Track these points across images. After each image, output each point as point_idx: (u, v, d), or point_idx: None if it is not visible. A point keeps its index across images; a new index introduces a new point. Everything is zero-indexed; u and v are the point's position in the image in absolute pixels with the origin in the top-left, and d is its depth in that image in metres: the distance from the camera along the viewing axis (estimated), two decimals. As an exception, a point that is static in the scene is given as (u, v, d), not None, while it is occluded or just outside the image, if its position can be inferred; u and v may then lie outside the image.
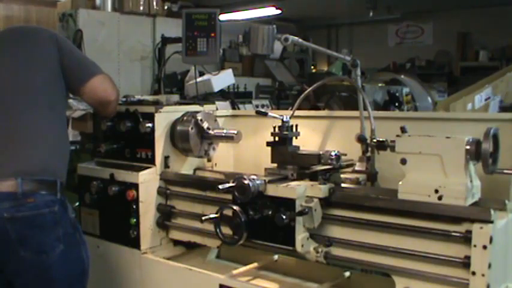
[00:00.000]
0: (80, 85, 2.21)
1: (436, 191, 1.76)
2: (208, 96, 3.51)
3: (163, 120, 2.50)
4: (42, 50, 2.16)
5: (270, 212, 1.99)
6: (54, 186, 2.00)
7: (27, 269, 1.95)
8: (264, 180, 2.04)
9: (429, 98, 5.32)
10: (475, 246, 1.65)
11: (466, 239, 1.68)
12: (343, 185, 2.18)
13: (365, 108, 2.36)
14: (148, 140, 2.48)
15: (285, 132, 2.21)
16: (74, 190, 2.65)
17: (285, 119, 2.22)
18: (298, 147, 2.25)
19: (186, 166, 2.63)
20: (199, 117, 2.51)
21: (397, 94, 4.89)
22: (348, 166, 2.28)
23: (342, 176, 2.22)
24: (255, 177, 2.03)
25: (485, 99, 3.69)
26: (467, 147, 1.74)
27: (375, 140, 2.10)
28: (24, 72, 2.11)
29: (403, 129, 1.96)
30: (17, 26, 2.46)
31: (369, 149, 2.20)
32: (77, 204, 2.65)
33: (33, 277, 1.98)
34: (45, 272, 1.98)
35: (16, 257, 1.93)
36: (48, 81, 2.14)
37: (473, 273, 1.65)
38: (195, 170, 2.68)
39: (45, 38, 2.20)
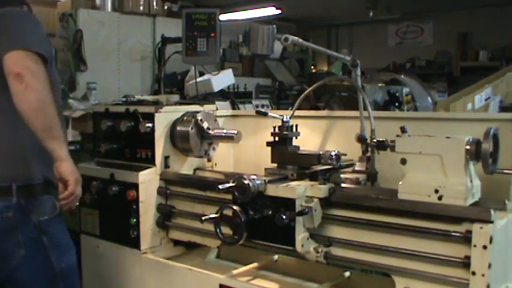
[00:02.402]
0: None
1: (436, 191, 1.76)
2: (208, 96, 3.51)
3: (163, 120, 2.50)
4: None
5: (270, 212, 1.99)
6: (8, 191, 1.87)
7: None
8: (264, 180, 2.04)
9: (429, 98, 5.31)
10: (475, 246, 1.65)
11: (466, 239, 1.68)
12: (343, 185, 2.18)
13: (365, 108, 2.36)
14: (149, 140, 2.48)
15: (285, 132, 2.21)
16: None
17: (285, 119, 2.22)
18: (298, 147, 2.25)
19: (186, 166, 2.64)
20: (199, 117, 2.51)
21: (397, 94, 4.88)
22: (348, 166, 2.28)
23: (342, 176, 2.22)
24: (255, 177, 2.03)
25: (485, 99, 3.69)
26: (467, 147, 1.74)
27: (375, 140, 2.09)
28: None
29: (403, 129, 1.96)
30: None
31: (369, 149, 2.20)
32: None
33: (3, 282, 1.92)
34: (10, 276, 1.90)
35: None
36: None
37: (473, 273, 1.65)
38: (195, 170, 2.69)
39: None
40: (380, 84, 5.19)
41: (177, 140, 2.52)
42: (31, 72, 1.79)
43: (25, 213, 1.90)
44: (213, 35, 3.22)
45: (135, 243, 2.46)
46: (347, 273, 2.25)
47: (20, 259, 1.89)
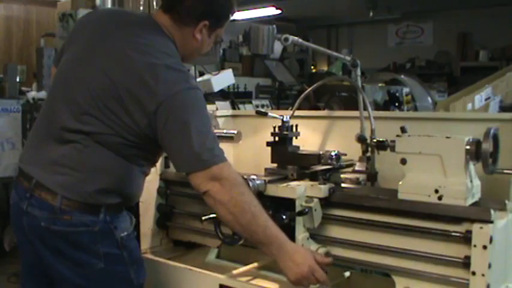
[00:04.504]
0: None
1: (436, 191, 1.76)
2: (208, 96, 3.51)
3: (163, 120, 2.49)
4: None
5: (270, 212, 1.98)
6: (97, 210, 1.83)
7: (65, 280, 1.88)
8: (264, 180, 2.04)
9: (429, 98, 5.32)
10: (475, 246, 1.65)
11: (466, 239, 1.68)
12: (343, 185, 2.17)
13: (365, 108, 2.36)
14: (149, 140, 2.48)
15: (285, 132, 2.21)
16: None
17: (285, 119, 2.22)
18: (298, 147, 2.25)
19: (186, 166, 2.63)
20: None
21: (397, 94, 4.90)
22: (348, 166, 2.28)
23: (342, 176, 2.22)
24: (255, 177, 2.03)
25: (485, 99, 3.69)
26: (467, 147, 1.74)
27: (375, 140, 2.10)
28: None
29: (403, 129, 1.96)
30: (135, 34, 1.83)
31: (369, 149, 2.20)
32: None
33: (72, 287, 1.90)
34: (83, 285, 1.88)
35: (54, 266, 1.87)
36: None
37: (473, 273, 1.65)
38: (195, 170, 2.68)
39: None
40: (380, 84, 5.20)
41: (177, 140, 2.51)
42: (215, 187, 1.74)
43: (110, 229, 1.86)
44: (213, 35, 3.21)
45: (135, 243, 2.46)
46: (347, 273, 2.24)
47: (98, 271, 1.85)
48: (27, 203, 1.81)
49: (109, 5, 5.02)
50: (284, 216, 1.93)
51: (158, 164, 2.49)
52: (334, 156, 2.10)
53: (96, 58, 1.80)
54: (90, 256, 1.83)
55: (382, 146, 2.02)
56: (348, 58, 2.54)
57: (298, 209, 1.94)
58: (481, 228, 1.65)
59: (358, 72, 2.52)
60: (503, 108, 3.77)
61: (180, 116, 1.72)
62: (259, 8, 8.51)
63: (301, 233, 1.96)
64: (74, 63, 1.86)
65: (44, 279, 1.93)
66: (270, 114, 2.35)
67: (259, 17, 8.55)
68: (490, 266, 1.64)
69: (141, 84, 1.72)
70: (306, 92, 2.68)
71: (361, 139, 2.22)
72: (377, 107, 4.62)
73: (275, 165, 2.24)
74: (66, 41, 2.00)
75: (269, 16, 8.61)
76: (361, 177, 2.23)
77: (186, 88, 1.74)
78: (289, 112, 2.46)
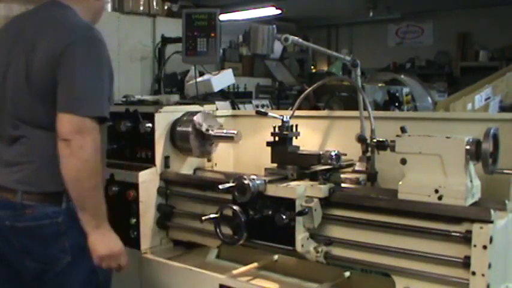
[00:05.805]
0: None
1: (436, 191, 1.76)
2: (208, 96, 3.51)
3: (163, 120, 2.50)
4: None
5: (270, 212, 1.99)
6: (58, 198, 1.86)
7: (37, 278, 1.90)
8: (264, 180, 2.04)
9: (429, 98, 5.31)
10: (475, 246, 1.65)
11: (466, 239, 1.68)
12: (343, 185, 2.18)
13: (365, 108, 2.36)
14: (148, 140, 2.48)
15: (285, 132, 2.21)
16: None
17: (285, 119, 2.22)
18: (298, 147, 2.25)
19: (186, 166, 2.63)
20: (196, 120, 2.50)
21: (397, 94, 4.89)
22: (348, 166, 2.28)
23: (342, 176, 2.22)
24: (255, 177, 2.03)
25: (485, 99, 3.69)
26: (467, 147, 1.74)
27: (375, 140, 2.10)
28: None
29: (403, 129, 1.96)
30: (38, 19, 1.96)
31: (369, 149, 2.20)
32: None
33: (45, 286, 1.92)
34: (54, 282, 1.90)
35: (24, 266, 1.89)
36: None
37: (473, 273, 1.66)
38: (195, 170, 2.69)
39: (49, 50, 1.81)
40: (380, 84, 5.19)
41: (177, 140, 2.52)
42: (80, 141, 1.73)
43: (73, 218, 1.85)
44: (213, 35, 3.22)
45: (135, 244, 2.46)
46: (347, 273, 2.24)
47: (65, 265, 1.88)
48: None
49: (109, 6, 5.02)
50: (284, 216, 1.93)
51: (158, 164, 2.49)
52: (334, 156, 2.10)
53: (11, 52, 1.91)
54: (57, 250, 1.86)
55: (382, 146, 2.02)
56: (348, 58, 2.55)
57: (298, 209, 1.94)
58: (481, 228, 1.65)
59: (358, 72, 2.52)
60: (503, 108, 3.77)
61: (76, 62, 1.79)
62: (259, 8, 8.51)
63: (301, 233, 1.96)
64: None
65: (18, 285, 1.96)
66: (270, 114, 2.35)
67: (259, 17, 8.54)
68: (490, 266, 1.64)
69: (44, 40, 1.82)
70: (306, 92, 2.68)
71: (361, 139, 2.22)
72: (377, 107, 4.61)
73: (275, 165, 2.24)
74: None
75: (269, 16, 8.60)
76: (361, 177, 2.23)
77: (88, 37, 1.85)
78: (289, 112, 2.46)
